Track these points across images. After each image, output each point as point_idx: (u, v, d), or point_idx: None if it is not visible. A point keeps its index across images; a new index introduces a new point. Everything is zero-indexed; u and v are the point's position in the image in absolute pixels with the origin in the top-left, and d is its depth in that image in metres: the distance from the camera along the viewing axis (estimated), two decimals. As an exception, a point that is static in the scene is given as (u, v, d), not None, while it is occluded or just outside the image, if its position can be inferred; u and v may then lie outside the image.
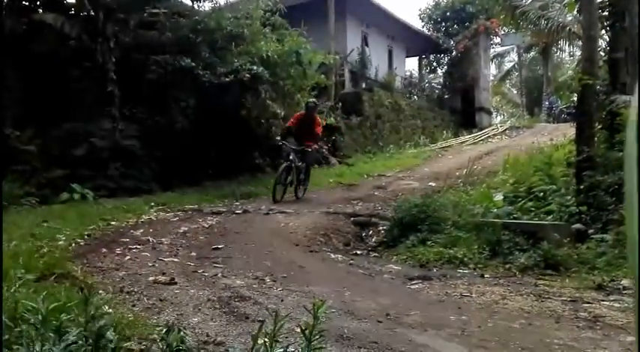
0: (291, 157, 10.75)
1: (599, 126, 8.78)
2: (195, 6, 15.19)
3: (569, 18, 15.39)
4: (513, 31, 23.26)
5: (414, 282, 5.57)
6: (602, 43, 10.43)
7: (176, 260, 6.08)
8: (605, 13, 9.97)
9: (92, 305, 2.67)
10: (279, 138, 11.59)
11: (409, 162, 17.53)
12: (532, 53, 34.79)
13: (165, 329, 2.65)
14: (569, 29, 15.51)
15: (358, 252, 7.65)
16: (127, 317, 3.71)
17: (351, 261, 6.82)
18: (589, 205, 7.49)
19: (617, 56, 9.72)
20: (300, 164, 10.97)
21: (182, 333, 2.66)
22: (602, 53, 10.27)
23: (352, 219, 9.12)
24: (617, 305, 4.48)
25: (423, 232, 7.56)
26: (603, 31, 10.30)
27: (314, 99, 12.65)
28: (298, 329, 2.30)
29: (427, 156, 19.04)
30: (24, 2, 13.36)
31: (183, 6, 15.30)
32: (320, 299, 2.43)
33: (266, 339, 2.26)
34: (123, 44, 13.38)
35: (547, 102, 30.19)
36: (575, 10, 11.74)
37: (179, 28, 14.02)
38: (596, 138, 8.58)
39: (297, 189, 11.35)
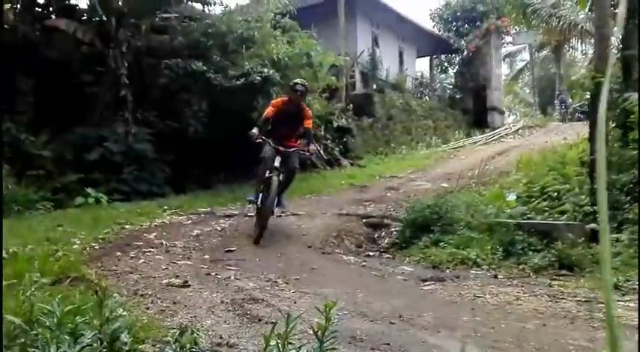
0: (276, 164, 7.52)
1: (613, 125, 8.70)
2: (206, 10, 15.28)
3: (581, 16, 15.29)
4: (525, 29, 23.13)
5: (426, 283, 5.55)
6: (614, 41, 10.34)
7: (189, 263, 6.11)
8: (617, 11, 9.87)
9: (107, 307, 2.70)
10: (255, 131, 7.64)
11: (421, 162, 17.47)
12: (544, 52, 34.52)
13: (179, 331, 2.68)
14: (582, 27, 15.40)
15: (371, 254, 7.65)
16: (142, 319, 3.74)
17: (364, 263, 6.82)
18: (603, 204, 7.41)
19: (630, 54, 9.64)
20: (280, 176, 7.56)
21: (195, 335, 2.69)
22: (615, 51, 10.17)
23: (364, 220, 9.11)
24: (632, 305, 4.43)
25: (435, 233, 7.53)
26: (616, 28, 10.21)
27: (302, 80, 8.42)
28: (311, 331, 2.30)
29: (439, 157, 18.96)
30: (37, 9, 13.52)
31: (195, 10, 15.39)
32: (332, 301, 2.44)
33: (278, 340, 2.28)
34: (135, 49, 13.50)
35: (557, 100, 29.37)
36: (587, 7, 11.67)
37: (190, 32, 14.12)
38: (609, 137, 8.49)
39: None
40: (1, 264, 3.54)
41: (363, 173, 15.74)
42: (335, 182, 14.15)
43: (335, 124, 18.06)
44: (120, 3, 13.02)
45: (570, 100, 27.68)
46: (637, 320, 3.97)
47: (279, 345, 2.25)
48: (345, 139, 18.49)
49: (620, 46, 10.02)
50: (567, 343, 3.39)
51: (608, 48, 9.07)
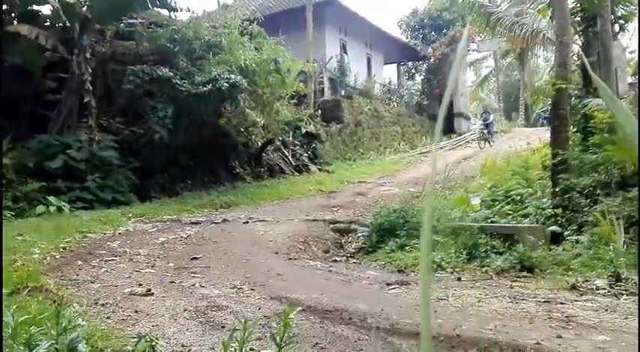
0: None
1: (574, 130, 8.92)
2: (173, 16, 15.15)
3: (544, 24, 15.64)
4: (489, 37, 23.55)
5: (391, 287, 5.58)
6: (576, 48, 10.62)
7: (153, 271, 6.03)
8: (578, 19, 10.15)
9: (64, 317, 2.65)
10: None
11: (389, 168, 17.63)
12: (509, 59, 35.30)
13: (137, 340, 2.65)
14: (544, 35, 15.75)
15: (337, 259, 7.66)
16: (101, 329, 3.67)
17: (330, 268, 6.82)
18: (564, 207, 7.59)
19: (590, 60, 9.91)
20: None
21: (153, 343, 2.66)
22: (575, 58, 10.45)
23: (332, 226, 9.14)
24: (589, 304, 4.54)
25: (401, 238, 7.59)
26: (577, 36, 10.48)
27: None
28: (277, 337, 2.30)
29: (407, 162, 19.16)
30: (-2, 14, 13.22)
31: (161, 16, 15.26)
32: (290, 306, 2.43)
33: (237, 346, 2.26)
34: (99, 55, 13.32)
35: (480, 119, 23.69)
36: (548, 16, 11.96)
37: (156, 38, 14.01)
38: (570, 141, 8.71)
39: None
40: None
41: (332, 179, 15.80)
42: (303, 188, 14.17)
43: (303, 130, 18.11)
44: (84, 9, 12.82)
45: (493, 120, 23.76)
46: (593, 320, 4.07)
47: (237, 351, 2.24)
48: (313, 145, 18.54)
49: (581, 52, 10.31)
50: (525, 343, 3.45)
51: (568, 55, 9.32)
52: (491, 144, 21.93)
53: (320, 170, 17.56)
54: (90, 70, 12.40)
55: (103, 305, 4.47)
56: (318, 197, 12.96)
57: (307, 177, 16.34)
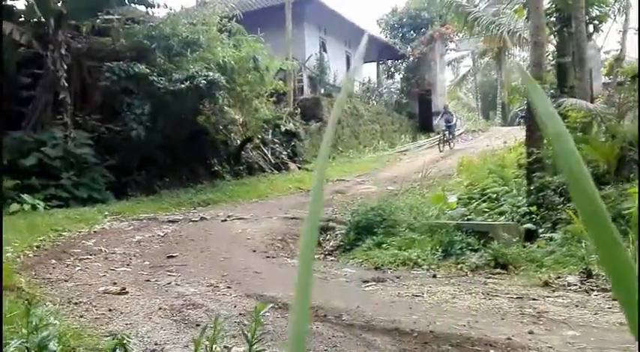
0: None
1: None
2: (150, 12, 15.00)
3: (520, 24, 15.85)
4: (467, 36, 23.75)
5: (368, 284, 5.62)
6: (551, 48, 10.78)
7: (128, 269, 5.99)
8: (553, 19, 10.30)
9: (35, 316, 2.63)
10: None
11: (368, 166, 17.69)
12: (486, 58, 35.61)
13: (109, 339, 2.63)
14: (520, 35, 15.94)
15: (315, 257, 7.67)
16: (73, 327, 3.64)
17: (308, 266, 6.83)
18: (539, 205, 7.70)
19: (565, 60, 10.07)
20: None
21: (125, 341, 2.65)
22: (550, 58, 10.61)
23: (310, 223, 9.13)
24: (561, 300, 4.62)
25: (379, 235, 7.63)
26: (552, 37, 10.64)
27: None
28: (248, 334, 2.30)
29: (386, 161, 19.25)
30: (-30, 8, 12.96)
31: (138, 12, 15.08)
32: (266, 303, 2.43)
33: (207, 343, 2.27)
34: (75, 51, 13.13)
35: (442, 119, 22.36)
36: (524, 16, 12.11)
37: (133, 35, 13.85)
38: (545, 140, 8.83)
39: None
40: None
41: (311, 177, 15.78)
42: (282, 186, 14.15)
43: (283, 128, 18.07)
44: (59, 4, 12.63)
45: (455, 120, 22.49)
46: (564, 315, 4.14)
47: (208, 348, 2.25)
48: (292, 143, 18.52)
49: (556, 53, 10.47)
50: (496, 338, 3.50)
51: (543, 55, 9.45)
52: (452, 146, 20.78)
53: (299, 168, 17.54)
54: (65, 66, 12.23)
55: (76, 303, 4.43)
56: (297, 195, 12.96)
57: (286, 175, 16.32)
